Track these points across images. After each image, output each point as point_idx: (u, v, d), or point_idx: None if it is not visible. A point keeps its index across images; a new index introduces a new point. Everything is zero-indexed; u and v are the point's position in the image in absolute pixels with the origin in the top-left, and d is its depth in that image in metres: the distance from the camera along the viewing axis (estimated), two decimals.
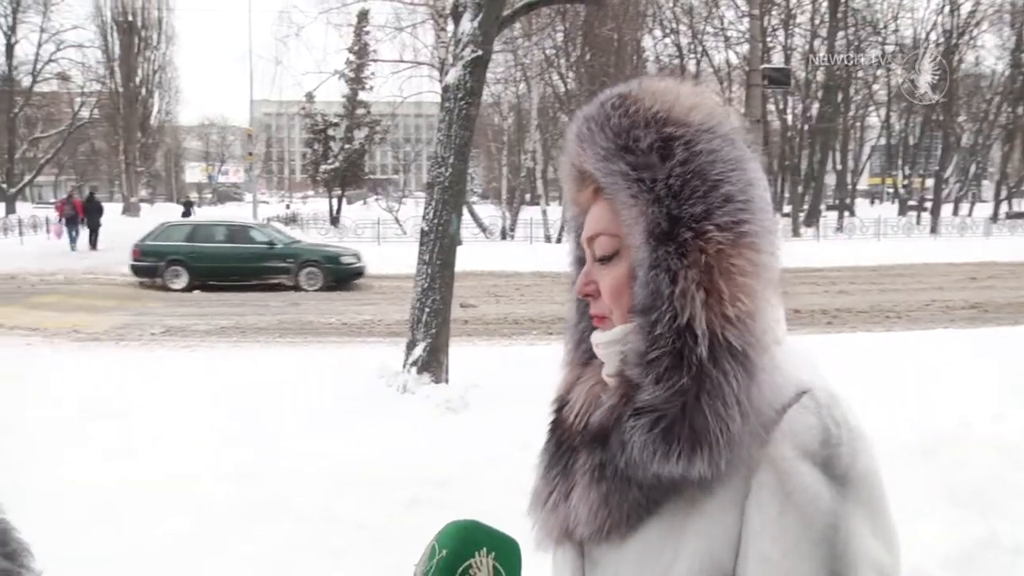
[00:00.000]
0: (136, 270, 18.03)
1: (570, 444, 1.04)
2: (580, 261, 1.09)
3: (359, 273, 18.55)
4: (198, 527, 4.15)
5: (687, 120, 0.94)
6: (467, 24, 7.30)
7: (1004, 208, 48.33)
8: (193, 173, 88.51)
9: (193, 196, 66.88)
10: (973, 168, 50.23)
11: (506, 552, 1.02)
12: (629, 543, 0.94)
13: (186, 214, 38.81)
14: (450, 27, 23.31)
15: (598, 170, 0.97)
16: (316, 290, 17.29)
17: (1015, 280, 19.01)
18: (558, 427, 1.08)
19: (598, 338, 1.02)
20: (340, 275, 18.16)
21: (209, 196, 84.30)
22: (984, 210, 48.67)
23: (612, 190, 0.96)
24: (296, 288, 17.61)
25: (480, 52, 7.25)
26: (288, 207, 50.73)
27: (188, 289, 17.37)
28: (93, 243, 26.53)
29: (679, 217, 0.90)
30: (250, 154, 30.71)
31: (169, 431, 5.67)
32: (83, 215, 26.94)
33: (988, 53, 45.68)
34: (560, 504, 1.02)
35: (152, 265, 17.71)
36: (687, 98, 0.97)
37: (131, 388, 6.87)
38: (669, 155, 0.92)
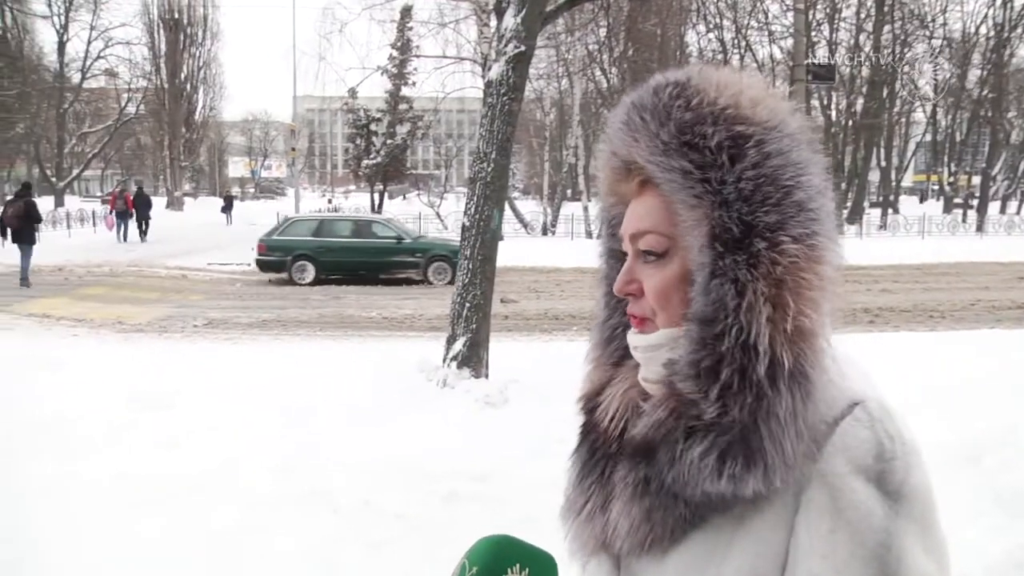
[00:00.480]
0: (261, 265, 18.24)
1: (605, 452, 1.00)
2: (613, 254, 1.05)
3: None
4: (242, 518, 4.21)
5: (755, 117, 0.89)
6: (510, 19, 7.31)
7: None
8: (236, 168, 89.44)
9: (235, 191, 67.69)
10: (1022, 165, 49.03)
11: (541, 568, 0.97)
12: (671, 557, 0.91)
13: (226, 209, 39.57)
14: (493, 23, 23.25)
15: (655, 164, 0.90)
16: (445, 284, 17.14)
17: None
18: (590, 431, 1.04)
19: (638, 341, 0.97)
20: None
21: (252, 191, 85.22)
22: None
23: (670, 188, 0.90)
24: (425, 282, 17.91)
25: (523, 47, 7.25)
26: (330, 201, 51.22)
27: (314, 284, 17.57)
28: (143, 235, 27.43)
29: (752, 225, 0.85)
30: (293, 149, 31.03)
31: (213, 423, 5.76)
32: (132, 208, 27.54)
33: None
34: (596, 515, 0.98)
35: (278, 260, 17.84)
36: (751, 91, 0.91)
37: (175, 380, 6.97)
38: (740, 156, 0.87)
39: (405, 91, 37.00)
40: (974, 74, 42.85)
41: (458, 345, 7.18)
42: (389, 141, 35.75)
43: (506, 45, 7.29)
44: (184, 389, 6.62)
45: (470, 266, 7.31)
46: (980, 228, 34.34)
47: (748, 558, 0.86)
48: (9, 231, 16.34)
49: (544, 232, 32.43)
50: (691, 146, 0.88)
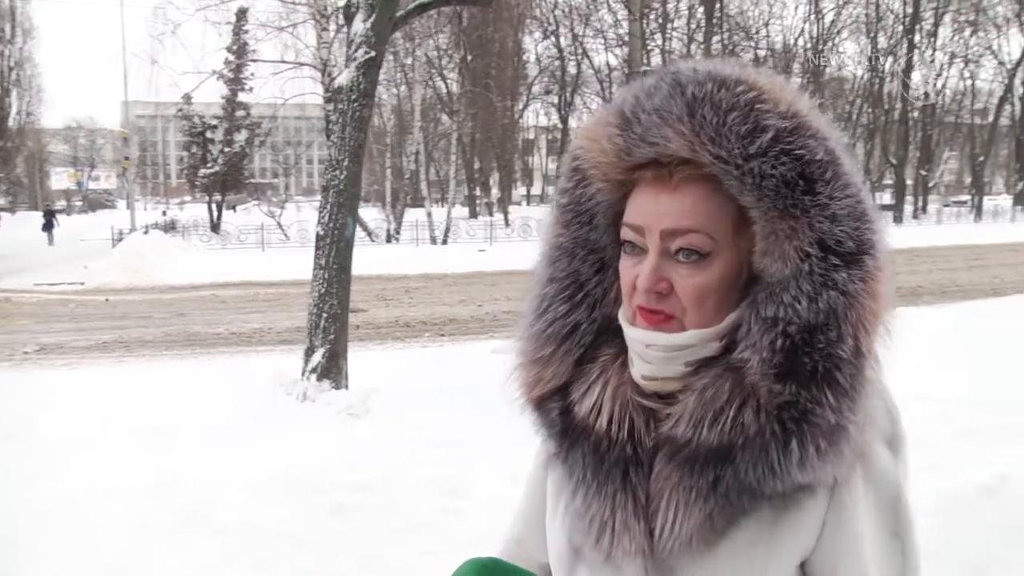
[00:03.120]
0: None
1: (622, 456, 0.96)
2: (585, 244, 1.01)
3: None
4: (121, 546, 4.00)
5: (830, 132, 0.91)
6: (359, 25, 7.21)
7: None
8: (60, 179, 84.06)
9: (60, 204, 63.39)
10: None
11: None
12: (719, 548, 0.91)
13: (47, 227, 34.82)
14: (332, 27, 23.00)
15: (736, 167, 0.87)
16: None
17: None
18: (580, 435, 0.99)
19: (659, 339, 0.93)
20: None
21: (80, 204, 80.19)
22: None
23: (755, 193, 0.88)
24: None
25: (373, 53, 7.17)
26: (164, 213, 48.93)
27: None
28: None
29: (863, 241, 0.88)
30: (126, 158, 29.46)
31: (66, 452, 5.36)
32: None
33: (849, 59, 48.37)
34: (631, 523, 0.95)
35: None
36: (806, 100, 0.93)
37: (12, 411, 6.44)
38: (838, 174, 0.89)
39: (242, 97, 35.93)
40: (795, 82, 45.79)
41: (317, 357, 7.01)
42: (227, 149, 34.56)
43: (356, 51, 7.19)
44: (28, 419, 6.11)
45: (326, 276, 7.16)
46: None
47: (798, 534, 0.92)
48: None
49: (388, 239, 32.25)
50: (792, 156, 0.87)
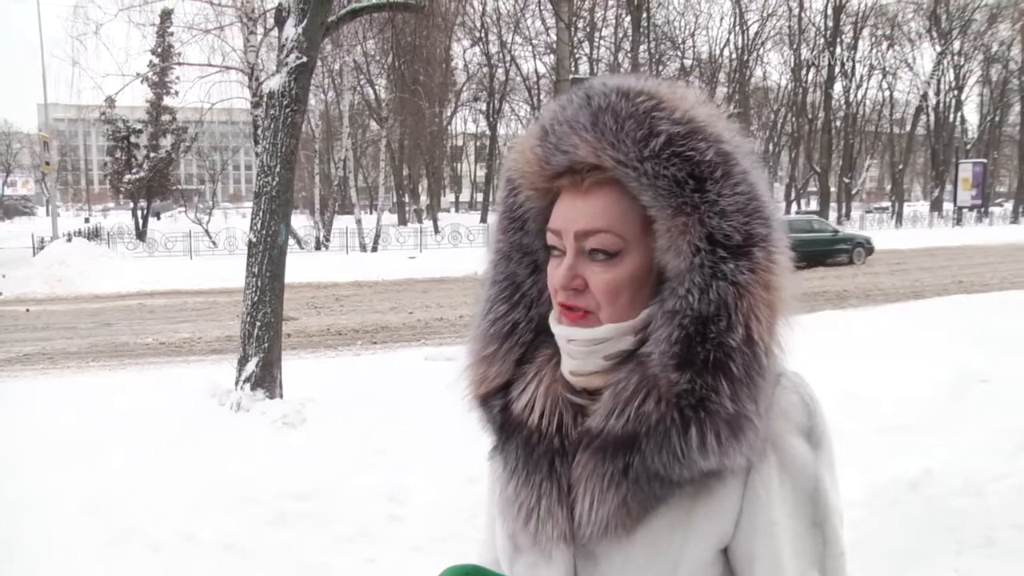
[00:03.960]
0: None
1: (548, 448, 1.02)
2: (521, 248, 1.09)
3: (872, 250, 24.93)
4: (56, 565, 3.88)
5: (729, 136, 0.98)
6: (291, 29, 7.14)
7: (795, 208, 52.45)
8: None
9: None
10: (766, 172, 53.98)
11: None
12: (637, 534, 0.97)
13: None
14: (260, 30, 22.64)
15: (635, 170, 0.94)
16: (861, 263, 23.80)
17: (809, 272, 20.68)
18: (515, 429, 1.06)
19: (578, 334, 1.00)
20: (870, 251, 24.80)
21: None
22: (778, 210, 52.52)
23: (653, 194, 0.94)
24: (850, 263, 23.77)
25: (305, 58, 7.11)
26: (87, 220, 47.51)
27: None
28: None
29: (752, 235, 0.94)
30: (47, 163, 28.44)
31: None
32: None
33: (773, 69, 49.67)
34: (555, 508, 1.01)
35: None
36: (709, 107, 0.99)
37: None
38: (730, 171, 0.95)
39: (168, 101, 34.98)
40: (721, 91, 46.82)
41: (251, 366, 6.90)
42: (152, 154, 33.69)
43: (288, 55, 7.11)
44: None
45: (259, 283, 7.04)
46: None
47: (713, 519, 0.97)
48: None
49: (318, 247, 31.89)
50: (683, 157, 0.94)
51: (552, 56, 35.92)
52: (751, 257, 0.93)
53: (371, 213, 37.76)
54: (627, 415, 0.96)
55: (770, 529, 0.96)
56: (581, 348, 1.00)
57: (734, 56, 45.35)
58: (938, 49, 48.13)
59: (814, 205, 52.10)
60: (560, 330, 1.02)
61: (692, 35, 44.82)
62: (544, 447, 1.03)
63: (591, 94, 0.99)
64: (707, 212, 0.93)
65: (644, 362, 0.97)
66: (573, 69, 31.46)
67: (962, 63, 51.65)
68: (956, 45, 49.31)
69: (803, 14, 45.38)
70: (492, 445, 1.11)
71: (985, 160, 47.06)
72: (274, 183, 7.07)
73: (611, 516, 0.96)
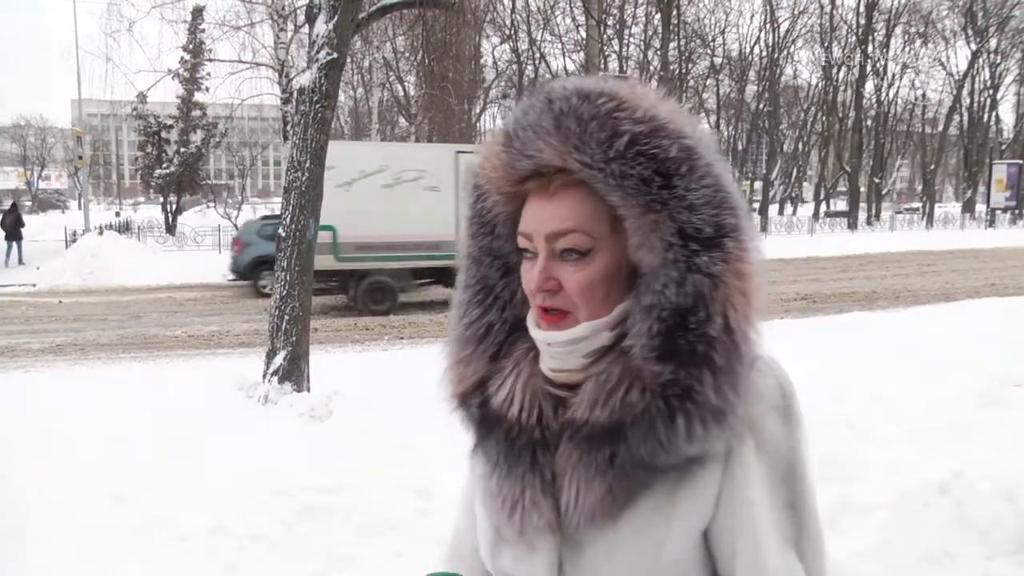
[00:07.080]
0: None
1: (529, 440, 1.04)
2: (491, 252, 1.10)
3: None
4: (83, 553, 3.92)
5: (690, 130, 0.98)
6: (322, 26, 7.19)
7: (824, 208, 52.02)
8: (8, 179, 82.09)
9: (5, 205, 61.56)
10: (795, 172, 53.66)
11: None
12: (622, 520, 0.99)
13: (12, 236, 31.10)
14: (291, 27, 22.77)
15: (601, 171, 0.96)
16: None
17: (839, 273, 20.54)
18: (494, 424, 1.07)
19: (556, 337, 1.02)
20: None
21: (29, 204, 78.31)
22: (807, 210, 52.18)
23: (620, 193, 0.96)
24: None
25: (335, 55, 7.15)
26: (117, 214, 48.04)
27: None
28: None
29: (721, 226, 0.95)
30: (80, 157, 28.75)
31: (18, 460, 5.22)
32: None
33: (804, 68, 49.21)
34: (540, 500, 1.02)
35: None
36: (669, 105, 1.00)
37: None
38: (695, 166, 0.96)
39: (198, 97, 35.33)
40: (751, 89, 46.52)
41: (278, 359, 6.96)
42: (183, 149, 33.99)
43: (318, 52, 7.16)
44: None
45: (288, 278, 7.11)
46: (764, 228, 37.12)
47: (695, 502, 0.98)
48: None
49: None
50: (648, 156, 0.95)
51: (581, 53, 35.87)
52: (723, 248, 0.95)
53: None
54: (611, 405, 0.98)
55: (749, 509, 0.98)
56: (561, 349, 1.03)
57: (764, 54, 44.89)
58: (973, 47, 47.32)
59: (843, 205, 51.56)
60: (538, 335, 1.05)
61: (722, 33, 44.58)
62: (525, 439, 1.05)
63: (552, 98, 1.00)
64: (676, 208, 0.95)
65: (625, 354, 0.99)
66: (603, 66, 31.35)
67: (998, 61, 50.70)
68: (992, 43, 48.44)
69: (835, 11, 44.84)
70: (473, 442, 1.13)
71: (1021, 161, 46.20)
72: (303, 178, 7.12)
73: (597, 504, 0.98)
